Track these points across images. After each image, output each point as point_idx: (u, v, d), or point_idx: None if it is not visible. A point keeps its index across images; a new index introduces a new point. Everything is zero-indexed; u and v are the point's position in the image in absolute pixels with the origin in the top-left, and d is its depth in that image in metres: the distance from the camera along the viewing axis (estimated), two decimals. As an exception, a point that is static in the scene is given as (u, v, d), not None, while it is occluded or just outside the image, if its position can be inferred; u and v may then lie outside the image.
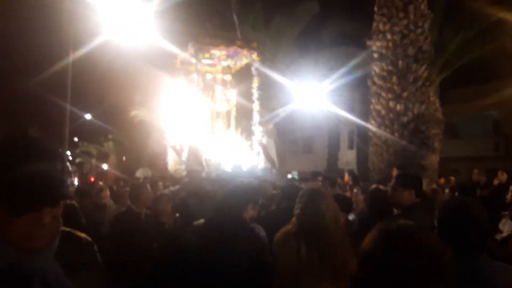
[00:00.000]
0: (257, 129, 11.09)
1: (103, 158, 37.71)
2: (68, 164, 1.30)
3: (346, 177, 8.44)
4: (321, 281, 2.58)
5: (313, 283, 2.59)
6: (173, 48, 11.25)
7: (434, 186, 7.47)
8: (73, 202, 3.81)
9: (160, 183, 8.21)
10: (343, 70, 15.09)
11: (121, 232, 3.96)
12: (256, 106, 11.15)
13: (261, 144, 11.02)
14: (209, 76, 11.67)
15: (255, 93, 11.16)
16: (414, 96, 11.92)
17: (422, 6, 12.12)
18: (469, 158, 19.26)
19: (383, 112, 12.20)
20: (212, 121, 11.64)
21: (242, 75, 12.19)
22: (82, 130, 36.37)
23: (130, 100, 23.97)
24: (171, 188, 7.12)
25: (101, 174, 14.26)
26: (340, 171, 19.35)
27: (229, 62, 11.60)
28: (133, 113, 23.30)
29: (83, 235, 1.53)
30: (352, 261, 2.67)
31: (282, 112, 16.66)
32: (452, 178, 11.98)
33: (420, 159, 11.71)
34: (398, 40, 11.94)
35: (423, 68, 11.99)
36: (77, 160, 43.73)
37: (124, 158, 33.65)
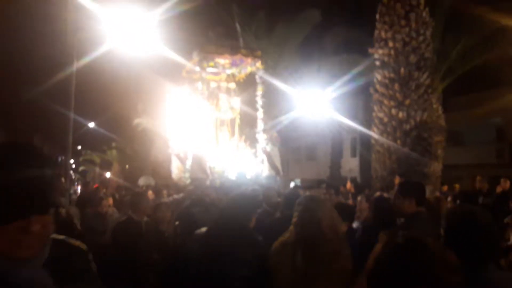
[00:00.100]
0: (261, 137, 11.10)
1: (106, 166, 37.78)
2: (56, 170, 1.27)
3: (348, 185, 8.44)
4: (318, 289, 2.55)
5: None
6: (176, 57, 11.31)
7: (438, 193, 7.45)
8: (69, 210, 3.80)
9: (164, 191, 8.23)
10: (345, 77, 15.12)
11: (121, 241, 3.95)
12: (260, 114, 11.17)
13: (265, 151, 11.02)
14: (213, 84, 11.71)
15: (259, 101, 11.18)
16: (417, 103, 11.93)
17: (424, 14, 12.18)
18: (473, 165, 19.18)
19: (386, 119, 12.21)
20: (216, 129, 11.67)
21: (246, 83, 12.23)
22: (85, 139, 36.52)
23: (133, 108, 24.07)
24: (175, 196, 7.13)
25: (103, 182, 14.29)
26: (343, 178, 19.34)
27: (234, 71, 11.65)
28: (136, 121, 23.37)
29: (77, 243, 1.46)
30: (350, 269, 2.66)
31: (285, 119, 16.68)
32: (457, 186, 11.92)
33: (423, 166, 11.70)
34: (400, 47, 11.98)
35: (425, 75, 12.02)
36: (81, 168, 43.84)
37: (127, 166, 33.68)
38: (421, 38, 11.97)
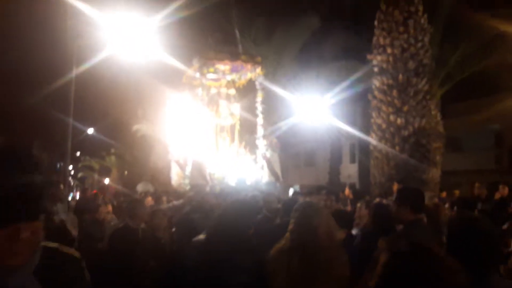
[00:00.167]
0: (261, 143, 11.11)
1: (106, 172, 37.75)
2: (49, 176, 1.25)
3: (347, 191, 8.43)
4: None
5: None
6: (175, 63, 11.34)
7: (436, 200, 7.44)
8: (62, 216, 3.78)
9: (164, 198, 8.22)
10: (344, 84, 15.15)
11: (118, 248, 3.93)
12: (260, 120, 11.19)
13: (265, 157, 11.03)
14: (213, 90, 11.73)
15: (259, 107, 11.20)
16: (415, 110, 11.96)
17: (422, 21, 12.23)
18: (471, 172, 19.18)
19: (384, 125, 12.22)
20: (216, 135, 11.67)
21: (246, 89, 12.26)
22: (84, 145, 36.54)
23: (132, 114, 24.09)
24: (175, 202, 7.12)
25: (101, 189, 14.27)
26: (342, 184, 19.30)
27: (234, 77, 11.68)
28: (136, 127, 23.38)
29: (70, 251, 1.42)
30: (347, 275, 2.65)
31: (284, 125, 16.70)
32: (457, 192, 11.88)
33: (421, 172, 11.70)
34: (398, 54, 12.02)
35: (423, 82, 12.05)
36: (80, 175, 43.78)
37: (126, 173, 33.65)
38: (419, 44, 12.02)
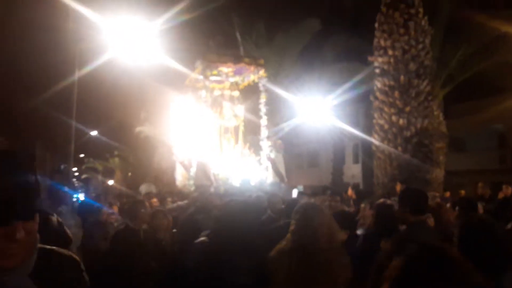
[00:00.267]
0: (265, 144, 11.13)
1: (109, 174, 37.85)
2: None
3: (349, 191, 8.43)
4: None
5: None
6: (178, 66, 11.40)
7: (438, 200, 7.42)
8: (58, 218, 3.79)
9: (169, 199, 8.26)
10: (346, 85, 15.17)
11: (118, 249, 3.93)
12: (264, 121, 11.22)
13: (269, 158, 11.06)
14: (217, 93, 11.78)
15: (263, 109, 11.23)
16: (417, 110, 11.97)
17: (423, 22, 12.24)
18: (475, 172, 19.16)
19: (386, 126, 12.24)
20: (220, 137, 11.72)
21: (248, 91, 12.31)
22: (88, 147, 36.65)
23: (135, 116, 24.19)
24: (180, 203, 7.15)
25: (104, 190, 14.32)
26: (345, 185, 19.30)
27: (237, 79, 11.73)
28: (138, 129, 23.45)
29: (69, 253, 1.40)
30: (348, 277, 2.66)
31: (287, 126, 16.73)
32: (462, 192, 11.84)
33: (424, 173, 11.70)
34: (399, 55, 12.04)
35: (425, 83, 12.06)
36: (83, 176, 43.92)
37: (129, 174, 33.74)
38: (420, 46, 12.03)
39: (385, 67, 12.26)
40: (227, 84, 11.88)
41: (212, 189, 7.57)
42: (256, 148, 11.50)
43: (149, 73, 16.36)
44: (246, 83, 11.85)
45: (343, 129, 18.46)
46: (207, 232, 3.03)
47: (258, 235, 3.13)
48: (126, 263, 3.67)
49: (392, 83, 12.12)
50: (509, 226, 5.25)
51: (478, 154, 21.47)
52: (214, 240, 2.85)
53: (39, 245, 1.28)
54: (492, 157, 21.14)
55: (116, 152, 35.87)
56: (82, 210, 5.89)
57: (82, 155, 41.80)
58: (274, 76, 15.83)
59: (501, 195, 8.33)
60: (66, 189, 5.25)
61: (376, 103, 12.63)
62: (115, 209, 6.78)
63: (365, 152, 21.56)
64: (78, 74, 12.27)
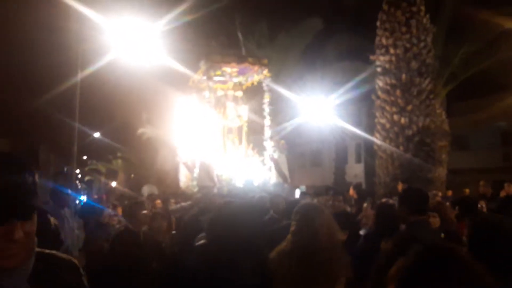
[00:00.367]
0: (269, 144, 11.12)
1: (112, 175, 37.92)
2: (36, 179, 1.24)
3: (351, 191, 8.40)
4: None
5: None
6: (180, 67, 11.41)
7: (439, 198, 7.39)
8: (56, 221, 3.79)
9: (172, 200, 8.28)
10: (348, 84, 15.15)
11: (118, 251, 3.94)
12: (267, 121, 11.20)
13: (272, 159, 11.04)
14: (220, 93, 11.77)
15: (266, 109, 11.21)
16: (419, 109, 11.94)
17: (425, 20, 12.22)
18: (478, 170, 19.10)
19: (388, 125, 12.22)
20: (224, 137, 11.70)
21: (251, 91, 12.30)
22: (91, 148, 36.75)
23: (138, 118, 24.23)
24: (183, 204, 7.16)
25: (106, 192, 14.36)
26: (348, 184, 19.28)
27: (240, 79, 11.72)
28: (141, 130, 23.49)
29: (68, 257, 1.39)
30: (349, 277, 2.65)
31: (289, 126, 16.72)
32: (467, 191, 11.75)
33: (426, 172, 11.67)
34: (401, 54, 12.02)
35: (426, 81, 12.03)
36: (86, 178, 44.00)
37: (132, 175, 33.81)
38: (422, 44, 12.01)
39: (387, 65, 12.25)
40: (230, 84, 11.86)
41: (215, 190, 7.59)
42: (259, 148, 11.48)
43: (152, 74, 16.39)
44: (249, 83, 11.84)
45: (345, 129, 18.44)
46: (203, 234, 3.02)
47: (260, 235, 3.13)
48: (126, 263, 3.67)
49: (393, 81, 12.10)
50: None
51: (482, 152, 21.42)
52: (214, 240, 2.84)
53: (39, 249, 1.27)
54: (496, 155, 21.08)
55: (119, 154, 35.94)
56: (84, 212, 5.91)
57: (85, 157, 41.93)
58: (276, 75, 15.81)
59: (503, 194, 8.30)
60: (69, 191, 5.25)
61: (378, 102, 12.62)
62: (119, 211, 6.79)
63: (368, 152, 21.54)
64: (80, 75, 12.30)
